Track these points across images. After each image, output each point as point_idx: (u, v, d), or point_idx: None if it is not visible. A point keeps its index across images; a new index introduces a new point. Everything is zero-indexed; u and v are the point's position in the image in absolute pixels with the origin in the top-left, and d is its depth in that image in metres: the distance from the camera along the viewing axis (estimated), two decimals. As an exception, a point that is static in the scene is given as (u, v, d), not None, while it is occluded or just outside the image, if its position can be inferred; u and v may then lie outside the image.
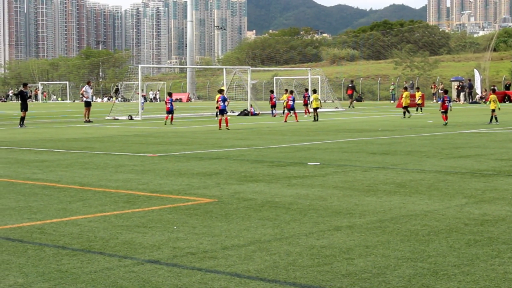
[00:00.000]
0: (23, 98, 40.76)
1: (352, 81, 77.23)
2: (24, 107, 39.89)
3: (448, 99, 36.56)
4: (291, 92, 46.01)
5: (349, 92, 71.10)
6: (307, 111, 48.15)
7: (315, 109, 43.17)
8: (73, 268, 8.18)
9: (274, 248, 9.06)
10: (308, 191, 13.80)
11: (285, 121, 41.60)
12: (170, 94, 43.37)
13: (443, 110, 35.28)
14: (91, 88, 47.69)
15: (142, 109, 52.92)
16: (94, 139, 29.20)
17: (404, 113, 43.11)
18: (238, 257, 8.61)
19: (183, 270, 8.04)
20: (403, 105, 43.99)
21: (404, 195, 13.21)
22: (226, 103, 35.32)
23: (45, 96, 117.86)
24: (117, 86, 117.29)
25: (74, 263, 8.40)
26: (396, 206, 12.01)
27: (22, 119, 39.27)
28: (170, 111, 41.18)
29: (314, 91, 48.62)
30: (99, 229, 10.38)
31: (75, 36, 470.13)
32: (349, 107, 65.47)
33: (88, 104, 44.92)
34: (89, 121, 43.61)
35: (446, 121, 34.66)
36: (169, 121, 40.88)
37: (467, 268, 8.01)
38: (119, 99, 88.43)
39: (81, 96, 49.41)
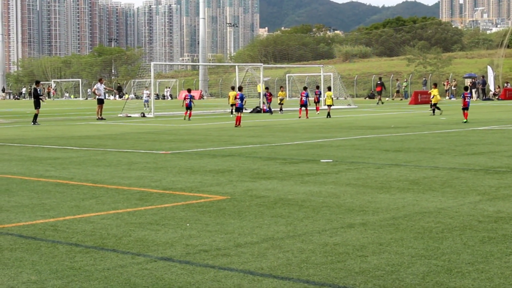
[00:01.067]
0: (36, 96, 40.95)
1: (380, 78, 77.44)
2: (37, 105, 40.09)
3: (469, 95, 36.23)
4: (305, 88, 45.99)
5: (378, 89, 71.28)
6: (318, 108, 48.04)
7: (329, 106, 43.24)
8: (86, 266, 8.18)
9: (287, 245, 9.03)
10: (321, 188, 13.77)
11: (300, 117, 41.64)
12: (189, 90, 43.84)
13: (464, 107, 34.97)
14: (103, 85, 47.64)
15: (147, 107, 53.04)
16: (107, 136, 29.24)
17: (434, 110, 42.14)
18: (251, 254, 8.59)
19: (196, 268, 8.03)
20: (433, 102, 42.59)
21: (417, 192, 13.17)
22: (243, 101, 35.58)
23: (54, 94, 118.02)
24: (119, 84, 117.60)
25: (87, 261, 8.40)
26: (410, 203, 11.96)
27: (36, 116, 39.52)
28: (189, 107, 41.82)
29: (329, 89, 48.54)
30: (112, 227, 10.38)
31: (88, 33, 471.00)
32: (378, 103, 65.63)
33: (100, 102, 44.99)
34: (102, 119, 43.66)
35: (466, 119, 34.35)
36: (188, 117, 41.51)
37: (481, 265, 7.96)
38: (131, 96, 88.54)
39: (93, 93, 49.42)
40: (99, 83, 47.72)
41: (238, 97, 35.69)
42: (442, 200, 12.22)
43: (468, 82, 79.88)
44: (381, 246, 8.94)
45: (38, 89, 42.04)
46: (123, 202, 12.47)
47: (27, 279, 7.66)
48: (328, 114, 42.15)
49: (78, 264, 8.26)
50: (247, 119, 41.81)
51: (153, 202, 12.45)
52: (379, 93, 70.58)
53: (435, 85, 44.12)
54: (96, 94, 46.14)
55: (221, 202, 12.36)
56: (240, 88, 37.59)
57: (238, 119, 34.47)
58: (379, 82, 72.97)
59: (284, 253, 8.64)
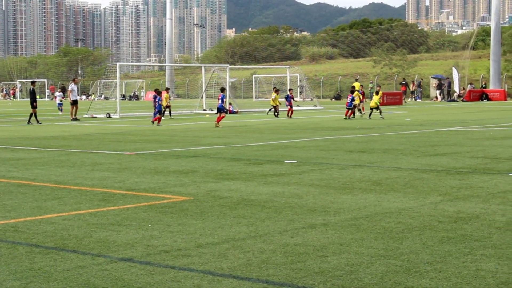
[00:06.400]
0: (33, 95, 41.68)
1: (404, 79, 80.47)
2: (32, 104, 40.72)
3: (352, 97, 39.83)
4: (290, 90, 47.45)
5: (403, 88, 74.37)
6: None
7: (274, 106, 44.30)
8: (46, 267, 8.15)
9: (248, 246, 9.06)
10: (284, 189, 13.81)
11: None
12: (158, 92, 42.83)
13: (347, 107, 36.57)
14: (72, 85, 47.25)
15: (61, 110, 52.47)
16: (71, 137, 29.09)
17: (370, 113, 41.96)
18: (212, 255, 8.61)
19: (156, 268, 8.03)
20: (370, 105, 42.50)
21: (379, 192, 13.25)
22: (223, 102, 35.73)
23: (13, 94, 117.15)
24: (63, 85, 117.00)
25: (46, 261, 8.37)
26: (371, 204, 12.04)
27: (31, 115, 40.57)
28: (159, 111, 38.70)
29: (276, 91, 48.30)
30: (73, 227, 10.35)
31: (54, 34, 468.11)
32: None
33: (74, 102, 44.81)
34: (76, 119, 43.46)
35: (346, 116, 35.11)
36: (157, 122, 37.59)
37: (440, 265, 8.04)
38: (98, 97, 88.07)
39: (68, 94, 48.82)
40: (73, 83, 47.34)
41: (220, 97, 36.05)
42: (404, 201, 12.32)
43: (433, 83, 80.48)
44: (341, 246, 9.00)
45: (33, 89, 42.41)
46: (85, 203, 12.43)
47: (-14, 280, 7.61)
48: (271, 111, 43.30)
49: (38, 265, 8.23)
50: (213, 120, 41.81)
51: (115, 203, 12.42)
52: (404, 92, 73.57)
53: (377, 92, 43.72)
54: (71, 95, 45.72)
55: (184, 203, 12.36)
56: (222, 90, 37.76)
57: (217, 118, 34.92)
58: (403, 82, 76.38)
59: (244, 253, 8.67)
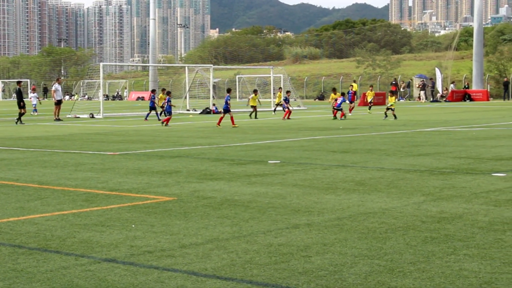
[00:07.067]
0: (20, 95, 41.51)
1: (395, 79, 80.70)
2: (19, 104, 40.57)
3: (343, 99, 39.72)
4: (288, 92, 47.15)
5: (393, 88, 74.48)
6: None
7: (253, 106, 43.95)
8: (29, 267, 8.11)
9: (232, 246, 9.06)
10: (268, 189, 13.81)
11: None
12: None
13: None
14: (55, 85, 47.04)
15: (35, 111, 52.33)
16: (55, 137, 29.00)
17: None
18: (196, 255, 8.60)
19: (140, 269, 8.01)
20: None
21: (363, 193, 13.28)
22: (228, 103, 35.63)
23: None
24: (45, 85, 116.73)
25: (30, 262, 8.34)
26: (355, 204, 12.06)
27: (20, 115, 40.37)
28: (169, 112, 37.96)
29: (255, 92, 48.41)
30: (57, 228, 10.31)
31: (37, 33, 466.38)
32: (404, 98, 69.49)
33: (58, 102, 44.68)
34: (59, 119, 43.32)
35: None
36: (162, 120, 37.49)
37: (423, 265, 8.07)
38: (81, 97, 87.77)
39: (52, 94, 48.66)
40: (57, 83, 47.16)
41: (225, 99, 36.16)
42: (387, 201, 12.35)
43: (416, 83, 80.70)
44: (325, 246, 9.01)
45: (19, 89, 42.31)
46: (68, 204, 12.39)
47: (-32, 281, 7.58)
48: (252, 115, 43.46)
49: (21, 266, 8.19)
50: (197, 120, 41.82)
51: (99, 203, 12.38)
52: (395, 92, 73.47)
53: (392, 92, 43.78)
54: (56, 95, 45.53)
55: (168, 203, 12.34)
56: (228, 90, 37.77)
57: (219, 119, 35.28)
58: (393, 82, 77.02)
59: (228, 253, 8.66)
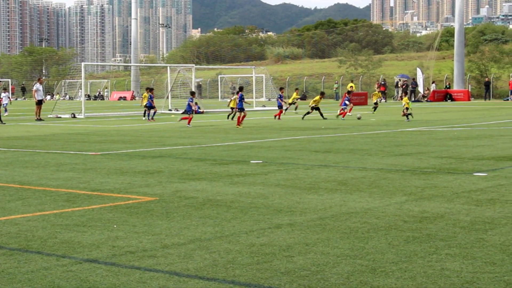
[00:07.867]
0: None
1: (384, 80, 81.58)
2: None
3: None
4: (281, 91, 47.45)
5: (382, 88, 75.17)
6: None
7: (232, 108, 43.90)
8: (10, 268, 8.07)
9: (214, 246, 9.04)
10: (250, 189, 13.80)
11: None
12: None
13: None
14: (37, 85, 46.75)
15: (6, 111, 52.03)
16: (36, 137, 28.87)
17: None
18: (178, 255, 8.58)
19: (122, 269, 7.99)
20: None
21: (345, 192, 13.29)
22: (242, 101, 35.42)
23: None
24: (23, 84, 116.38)
25: (10, 263, 8.29)
26: (337, 204, 12.07)
27: None
28: (191, 111, 36.71)
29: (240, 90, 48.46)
30: (38, 228, 10.26)
31: (18, 33, 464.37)
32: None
33: (39, 102, 44.50)
34: (40, 120, 43.14)
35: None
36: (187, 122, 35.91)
37: (405, 264, 8.08)
38: (62, 97, 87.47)
39: (33, 94, 48.24)
40: (38, 83, 46.93)
41: (238, 97, 35.91)
42: (369, 201, 12.37)
43: (399, 83, 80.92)
44: (307, 246, 9.01)
45: None
46: (50, 204, 12.34)
47: (-52, 283, 7.52)
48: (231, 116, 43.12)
49: (2, 266, 8.15)
50: (183, 119, 41.72)
51: (80, 204, 12.34)
52: (384, 93, 74.21)
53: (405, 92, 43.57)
54: (37, 95, 45.28)
55: (150, 203, 12.31)
56: (241, 89, 37.74)
57: (238, 118, 35.06)
58: (383, 82, 77.38)
59: (210, 254, 8.65)
